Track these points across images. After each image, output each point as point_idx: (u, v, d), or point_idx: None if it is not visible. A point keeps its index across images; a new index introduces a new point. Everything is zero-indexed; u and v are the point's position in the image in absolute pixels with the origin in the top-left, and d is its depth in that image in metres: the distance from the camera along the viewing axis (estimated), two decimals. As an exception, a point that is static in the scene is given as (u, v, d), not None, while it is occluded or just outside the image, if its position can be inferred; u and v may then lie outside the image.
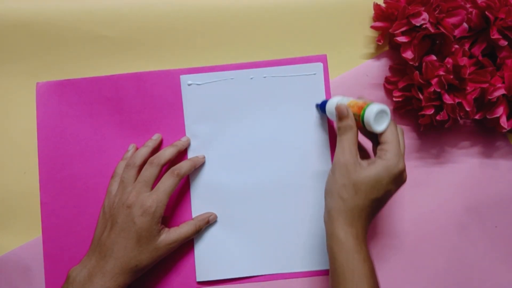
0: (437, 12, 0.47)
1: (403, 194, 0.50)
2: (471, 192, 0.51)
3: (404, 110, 0.51)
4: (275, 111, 0.51)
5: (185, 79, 0.51)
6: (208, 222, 0.49)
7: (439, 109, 0.48)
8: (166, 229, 0.46)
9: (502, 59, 0.48)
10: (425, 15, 0.46)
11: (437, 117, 0.47)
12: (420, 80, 0.47)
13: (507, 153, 0.52)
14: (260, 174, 0.50)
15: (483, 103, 0.49)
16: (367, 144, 0.47)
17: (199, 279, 0.49)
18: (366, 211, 0.41)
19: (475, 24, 0.48)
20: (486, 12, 0.47)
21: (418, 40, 0.47)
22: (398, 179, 0.42)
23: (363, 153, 0.47)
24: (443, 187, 0.51)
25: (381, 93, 0.52)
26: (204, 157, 0.50)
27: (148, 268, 0.45)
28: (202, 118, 0.51)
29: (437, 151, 0.51)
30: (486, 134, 0.52)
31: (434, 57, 0.47)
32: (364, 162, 0.42)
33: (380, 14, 0.50)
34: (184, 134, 0.51)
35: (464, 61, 0.46)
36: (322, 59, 0.51)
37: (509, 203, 0.51)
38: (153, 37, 0.52)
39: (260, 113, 0.51)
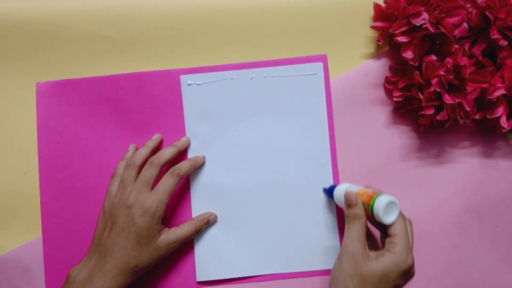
0: (437, 12, 0.47)
1: (403, 194, 0.50)
2: (471, 192, 0.51)
3: (404, 110, 0.51)
4: (275, 111, 0.51)
5: (185, 79, 0.51)
6: (208, 222, 0.49)
7: (439, 109, 0.48)
8: (166, 229, 0.46)
9: (502, 59, 0.48)
10: (425, 15, 0.46)
11: (437, 117, 0.47)
12: (420, 80, 0.47)
13: (507, 153, 0.52)
14: (260, 174, 0.50)
15: (483, 103, 0.49)
16: (376, 231, 0.46)
17: (199, 279, 0.49)
18: None
19: (475, 24, 0.48)
20: (486, 12, 0.47)
21: (418, 40, 0.47)
22: (406, 274, 0.41)
23: (372, 242, 0.46)
24: (443, 187, 0.51)
25: (381, 93, 0.52)
26: (204, 157, 0.50)
27: (148, 268, 0.45)
28: (202, 118, 0.51)
29: (437, 151, 0.51)
30: (486, 134, 0.52)
31: (434, 57, 0.47)
32: (373, 254, 0.41)
33: (380, 14, 0.50)
34: (184, 134, 0.51)
35: (464, 61, 0.46)
36: (322, 59, 0.51)
37: (509, 203, 0.51)
38: (153, 37, 0.52)
39: (260, 113, 0.51)
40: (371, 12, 0.52)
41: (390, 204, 0.42)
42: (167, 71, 0.51)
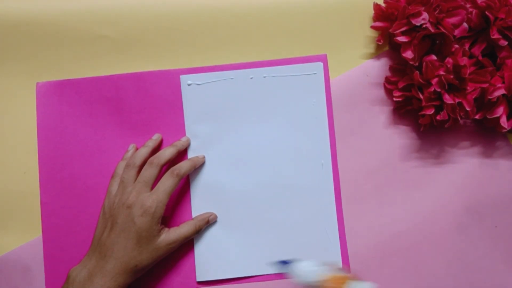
0: (437, 12, 0.47)
1: (403, 194, 0.50)
2: (471, 192, 0.51)
3: (404, 110, 0.51)
4: (275, 111, 0.51)
5: (185, 79, 0.51)
6: (208, 222, 0.49)
7: (439, 109, 0.48)
8: (166, 229, 0.46)
9: (502, 59, 0.48)
10: (425, 15, 0.46)
11: (437, 117, 0.47)
12: (420, 80, 0.47)
13: (507, 153, 0.51)
14: (260, 174, 0.50)
15: (483, 103, 0.49)
16: None
17: (199, 279, 0.49)
18: None
19: (475, 24, 0.48)
20: (486, 12, 0.47)
21: (418, 40, 0.47)
22: None
23: None
24: (443, 187, 0.51)
25: (381, 93, 0.52)
26: (204, 157, 0.50)
27: (148, 268, 0.45)
28: (202, 118, 0.51)
29: (437, 151, 0.51)
30: (486, 134, 0.52)
31: (434, 57, 0.47)
32: None
33: (380, 14, 0.50)
34: (184, 134, 0.51)
35: (464, 61, 0.46)
36: (322, 58, 0.51)
37: (509, 203, 0.51)
38: (153, 37, 0.52)
39: (260, 113, 0.51)
40: (371, 12, 0.52)
41: None
42: (167, 71, 0.51)
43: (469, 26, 0.48)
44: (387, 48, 0.52)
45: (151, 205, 0.44)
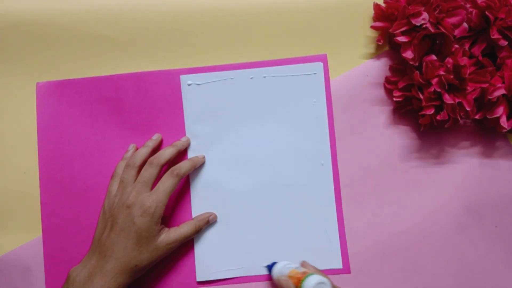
0: (437, 12, 0.47)
1: (403, 194, 0.50)
2: (471, 192, 0.51)
3: (404, 110, 0.51)
4: (275, 111, 0.51)
5: (185, 79, 0.51)
6: (208, 222, 0.49)
7: (439, 109, 0.48)
8: (166, 229, 0.46)
9: (502, 59, 0.48)
10: (425, 15, 0.46)
11: (437, 117, 0.47)
12: (420, 80, 0.47)
13: (507, 153, 0.52)
14: (260, 174, 0.50)
15: (483, 103, 0.49)
16: None
17: (199, 279, 0.49)
18: None
19: (475, 24, 0.48)
20: (486, 12, 0.47)
21: (418, 40, 0.47)
22: None
23: None
24: (443, 187, 0.51)
25: (381, 93, 0.52)
26: (204, 157, 0.50)
27: (148, 268, 0.45)
28: (202, 118, 0.51)
29: (437, 151, 0.51)
30: (486, 134, 0.52)
31: (434, 57, 0.47)
32: None
33: (380, 14, 0.50)
34: (184, 134, 0.51)
35: (464, 61, 0.46)
36: (323, 58, 0.51)
37: (509, 203, 0.51)
38: (153, 37, 0.52)
39: (260, 113, 0.51)
40: (371, 12, 0.52)
41: (319, 285, 0.41)
42: (167, 71, 0.51)
43: (469, 26, 0.48)
44: (387, 48, 0.52)
45: (151, 205, 0.44)
